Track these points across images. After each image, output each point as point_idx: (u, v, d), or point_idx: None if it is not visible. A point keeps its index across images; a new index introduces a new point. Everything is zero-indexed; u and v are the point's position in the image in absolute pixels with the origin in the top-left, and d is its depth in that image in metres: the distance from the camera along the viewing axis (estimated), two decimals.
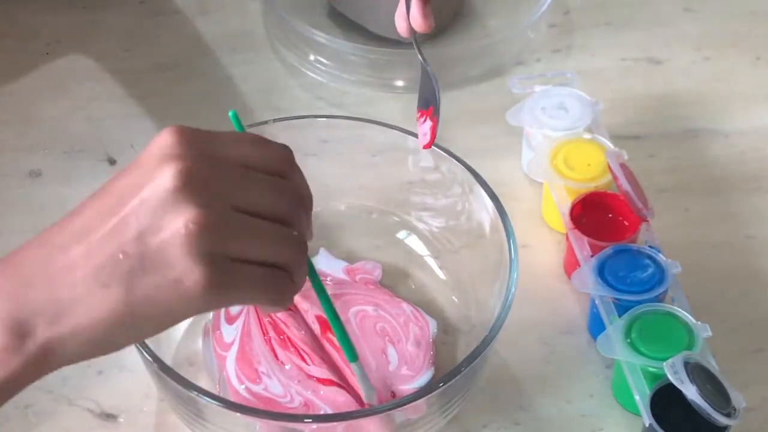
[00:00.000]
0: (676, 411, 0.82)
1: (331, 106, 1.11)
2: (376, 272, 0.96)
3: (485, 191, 0.90)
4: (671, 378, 0.81)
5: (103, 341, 0.62)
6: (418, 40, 0.93)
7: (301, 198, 0.67)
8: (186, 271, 0.61)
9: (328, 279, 0.95)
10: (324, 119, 0.97)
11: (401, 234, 0.99)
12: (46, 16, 1.19)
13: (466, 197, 0.93)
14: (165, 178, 0.61)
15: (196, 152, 0.63)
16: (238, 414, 0.79)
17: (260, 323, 0.90)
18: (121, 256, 0.61)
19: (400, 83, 1.12)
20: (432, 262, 0.98)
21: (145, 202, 0.61)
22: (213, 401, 0.78)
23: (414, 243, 0.98)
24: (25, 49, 1.16)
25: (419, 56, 0.92)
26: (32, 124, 1.10)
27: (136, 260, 0.61)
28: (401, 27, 0.93)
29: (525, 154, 1.05)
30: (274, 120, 0.95)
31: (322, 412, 0.86)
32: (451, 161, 0.92)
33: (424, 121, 0.90)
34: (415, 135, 0.92)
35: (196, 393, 0.78)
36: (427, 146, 0.90)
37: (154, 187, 0.61)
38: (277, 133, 0.95)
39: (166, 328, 0.63)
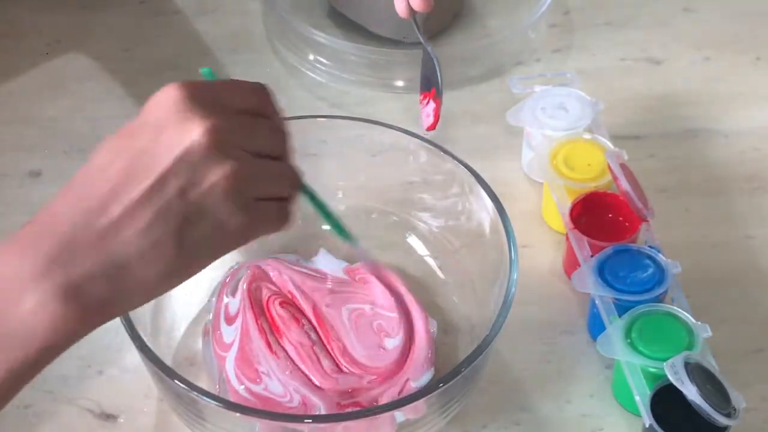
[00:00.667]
0: (676, 411, 0.82)
1: (331, 106, 1.11)
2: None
3: (485, 191, 0.90)
4: (671, 378, 0.81)
5: (158, 288, 0.66)
6: (418, 21, 0.93)
7: (287, 133, 0.72)
8: (228, 217, 0.66)
9: (328, 279, 0.95)
10: (324, 119, 0.97)
11: (401, 234, 0.99)
12: (46, 16, 1.19)
13: (466, 197, 0.93)
14: (195, 136, 0.65)
15: (210, 107, 0.67)
16: (238, 414, 0.79)
17: (257, 324, 0.90)
18: (166, 212, 0.65)
19: (400, 83, 1.12)
20: (432, 262, 0.98)
21: (182, 160, 0.65)
22: (213, 401, 0.78)
23: (414, 243, 0.98)
24: (25, 49, 1.16)
25: (420, 37, 0.91)
26: (32, 124, 1.10)
27: (182, 214, 0.65)
28: (400, 7, 0.93)
29: (525, 154, 1.05)
30: None
31: (319, 411, 0.86)
32: (451, 161, 0.92)
33: (427, 103, 0.90)
34: (416, 135, 0.92)
35: (196, 393, 0.78)
36: (431, 128, 0.91)
37: (188, 146, 0.65)
38: None
39: (212, 262, 0.68)
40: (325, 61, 1.13)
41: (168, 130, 0.66)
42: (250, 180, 0.67)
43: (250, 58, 1.15)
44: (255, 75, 1.13)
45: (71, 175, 1.05)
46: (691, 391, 0.80)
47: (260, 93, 0.71)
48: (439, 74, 0.89)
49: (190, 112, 0.66)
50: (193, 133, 0.65)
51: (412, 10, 0.92)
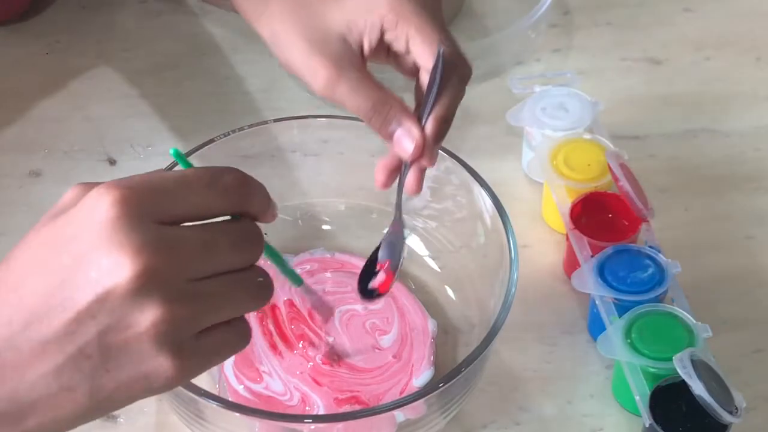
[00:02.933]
0: (676, 411, 0.82)
1: (331, 106, 1.11)
2: None
3: (485, 191, 0.90)
4: (681, 372, 0.81)
5: (72, 425, 0.60)
6: (401, 199, 0.87)
7: (257, 234, 0.62)
8: (156, 365, 0.59)
9: (328, 281, 0.95)
10: (324, 119, 0.97)
11: None
12: (46, 16, 1.18)
13: (466, 197, 0.93)
14: (124, 274, 0.57)
15: (151, 228, 0.58)
16: (238, 414, 0.79)
17: (260, 321, 0.90)
18: (81, 356, 0.58)
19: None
20: (432, 262, 0.98)
21: (104, 300, 0.57)
22: (213, 401, 0.78)
23: (414, 243, 0.98)
24: (25, 50, 1.16)
25: (396, 212, 0.86)
26: (32, 124, 1.10)
27: (99, 359, 0.58)
28: (380, 180, 0.85)
29: (525, 154, 1.05)
30: (274, 120, 0.95)
31: (318, 408, 0.86)
32: (450, 161, 0.92)
33: (379, 272, 0.86)
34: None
35: (196, 393, 0.78)
36: (374, 295, 0.85)
37: (111, 287, 0.57)
38: (277, 133, 0.95)
39: (129, 403, 0.61)
40: None
41: (92, 259, 0.57)
42: (188, 320, 0.58)
43: (250, 58, 1.15)
44: (255, 75, 1.14)
45: (71, 175, 1.06)
46: (698, 387, 0.80)
47: (229, 185, 0.61)
48: (403, 254, 0.85)
49: (119, 241, 0.57)
50: (119, 271, 0.57)
51: (400, 189, 0.86)
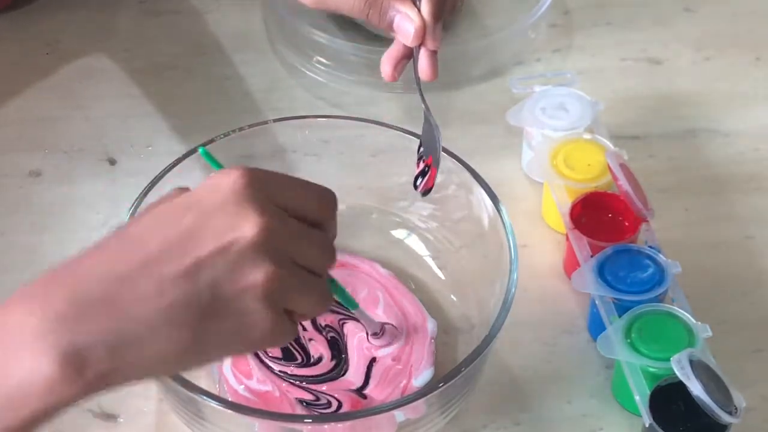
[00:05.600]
0: (675, 411, 0.82)
1: (331, 106, 1.11)
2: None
3: (485, 191, 0.90)
4: (678, 373, 0.81)
5: (159, 370, 0.64)
6: (421, 88, 0.90)
7: (334, 252, 0.70)
8: (257, 320, 0.64)
9: None
10: (324, 119, 0.97)
11: (401, 234, 0.99)
12: (46, 16, 1.19)
13: (466, 197, 0.93)
14: (248, 230, 0.63)
15: (269, 205, 0.65)
16: (238, 414, 0.79)
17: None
18: (193, 299, 0.62)
19: (400, 83, 1.11)
20: (432, 262, 0.98)
21: (225, 250, 0.63)
22: (213, 401, 0.78)
23: (414, 243, 0.98)
24: (25, 49, 1.16)
25: (423, 105, 0.89)
26: (32, 124, 1.10)
27: (209, 304, 0.63)
28: (386, 72, 0.90)
29: (525, 154, 1.05)
30: (274, 120, 0.95)
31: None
32: (451, 161, 0.92)
33: (424, 168, 0.89)
34: (416, 135, 0.92)
35: (196, 393, 0.78)
36: (425, 191, 0.89)
37: (237, 238, 0.63)
38: (277, 133, 0.95)
39: (220, 361, 0.67)
40: (325, 61, 1.13)
41: (218, 217, 0.63)
42: (287, 290, 0.65)
43: (250, 58, 1.15)
44: (255, 75, 1.14)
45: (71, 175, 1.06)
46: (696, 387, 0.80)
47: (325, 201, 0.69)
48: (438, 145, 0.87)
49: (246, 204, 0.64)
50: (243, 227, 0.63)
51: (417, 78, 0.89)
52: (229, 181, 0.65)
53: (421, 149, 0.90)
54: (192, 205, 0.64)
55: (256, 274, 0.63)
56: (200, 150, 0.76)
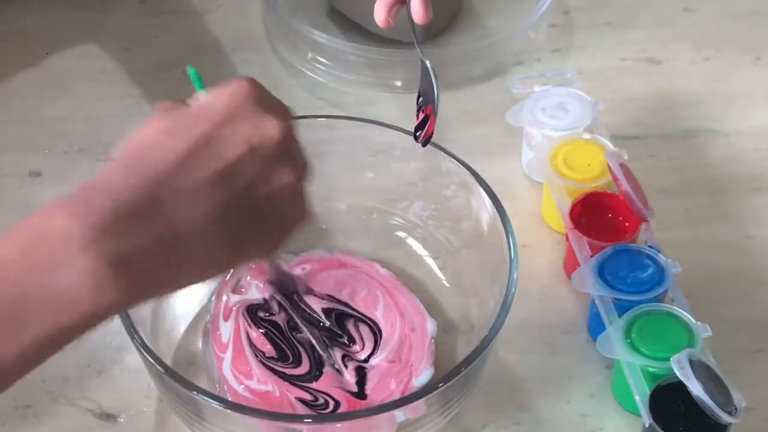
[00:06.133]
0: (675, 411, 0.82)
1: (331, 106, 1.11)
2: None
3: (485, 191, 0.90)
4: (678, 373, 0.81)
5: (204, 273, 0.65)
6: (417, 35, 0.92)
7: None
8: (293, 218, 0.68)
9: (329, 281, 0.95)
10: (324, 119, 0.97)
11: (401, 234, 0.99)
12: (46, 16, 1.19)
13: (466, 197, 0.93)
14: (273, 132, 0.65)
15: (283, 106, 0.68)
16: (238, 414, 0.79)
17: (247, 335, 0.91)
18: (234, 199, 0.64)
19: (399, 83, 1.12)
20: (432, 262, 0.98)
21: (255, 152, 0.65)
22: (213, 401, 0.78)
23: (414, 243, 0.98)
24: (25, 49, 1.16)
25: (418, 51, 0.91)
26: (32, 124, 1.10)
27: (246, 203, 0.64)
28: (380, 17, 0.91)
29: (525, 154, 1.05)
30: None
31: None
32: (451, 161, 0.92)
33: (423, 117, 0.90)
34: (415, 135, 0.92)
35: (196, 393, 0.78)
36: (425, 140, 0.90)
37: (263, 139, 0.65)
38: None
39: (259, 259, 0.70)
40: (325, 61, 1.13)
41: (242, 121, 0.65)
42: (305, 188, 0.68)
43: (250, 58, 1.15)
44: (255, 75, 1.13)
45: (71, 175, 1.06)
46: (696, 387, 0.80)
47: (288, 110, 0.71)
48: (436, 90, 0.88)
49: (265, 109, 0.66)
50: (270, 129, 0.65)
51: (411, 22, 0.91)
52: (242, 88, 0.66)
53: (420, 99, 0.91)
54: (205, 112, 0.66)
55: (288, 174, 0.66)
56: (189, 70, 0.75)
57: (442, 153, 0.92)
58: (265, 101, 0.67)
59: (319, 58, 1.13)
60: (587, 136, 1.00)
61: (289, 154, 0.67)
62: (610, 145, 0.99)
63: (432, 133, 0.90)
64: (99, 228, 0.60)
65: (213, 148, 0.64)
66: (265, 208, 0.66)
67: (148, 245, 0.62)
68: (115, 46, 1.17)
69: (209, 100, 0.67)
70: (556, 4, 1.18)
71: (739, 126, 1.11)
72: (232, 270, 0.69)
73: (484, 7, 1.21)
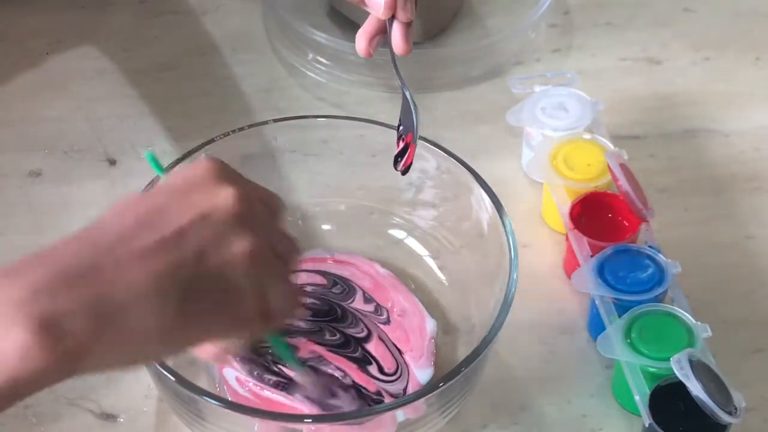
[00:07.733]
0: (675, 411, 0.82)
1: (331, 106, 1.11)
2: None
3: (485, 191, 0.90)
4: (678, 373, 0.81)
5: (141, 354, 0.63)
6: (397, 64, 0.90)
7: (296, 244, 0.70)
8: (241, 295, 0.63)
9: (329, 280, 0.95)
10: (324, 119, 0.97)
11: (401, 234, 0.99)
12: (46, 16, 1.19)
13: (466, 197, 0.93)
14: (228, 200, 0.64)
15: (243, 183, 0.66)
16: (238, 414, 0.79)
17: None
18: (179, 267, 0.61)
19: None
20: (432, 262, 0.98)
21: (206, 218, 0.63)
22: (213, 401, 0.78)
23: (414, 243, 0.98)
24: (25, 49, 1.16)
25: (398, 80, 0.89)
26: (32, 124, 1.10)
27: (194, 275, 0.62)
28: (361, 47, 0.90)
29: (525, 154, 1.05)
30: (274, 120, 0.95)
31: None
32: (451, 161, 0.92)
33: (403, 146, 0.89)
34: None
35: (196, 393, 0.78)
36: (404, 169, 0.89)
37: (214, 205, 0.63)
38: (277, 133, 0.95)
39: (211, 341, 0.65)
40: (325, 61, 1.13)
41: (194, 193, 0.64)
42: (268, 265, 0.65)
43: (250, 58, 1.15)
44: (255, 75, 1.14)
45: (71, 175, 1.06)
46: (696, 387, 0.80)
47: (276, 198, 0.69)
48: (415, 120, 0.87)
49: (220, 181, 0.64)
50: (222, 196, 0.64)
51: (392, 53, 0.89)
52: (200, 165, 0.65)
53: (401, 128, 0.90)
54: (165, 188, 0.65)
55: (241, 243, 0.63)
56: (147, 155, 0.73)
57: (443, 153, 0.92)
58: (228, 177, 0.65)
59: (319, 58, 1.13)
60: (587, 136, 1.00)
61: (249, 224, 0.64)
62: (610, 145, 0.99)
63: (411, 162, 0.89)
64: (32, 290, 0.58)
65: (164, 215, 0.62)
66: (220, 282, 0.63)
67: (81, 309, 0.59)
68: (115, 46, 1.17)
69: (170, 178, 0.66)
70: (556, 4, 1.18)
71: (739, 126, 1.11)
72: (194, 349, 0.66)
73: (484, 7, 1.21)
